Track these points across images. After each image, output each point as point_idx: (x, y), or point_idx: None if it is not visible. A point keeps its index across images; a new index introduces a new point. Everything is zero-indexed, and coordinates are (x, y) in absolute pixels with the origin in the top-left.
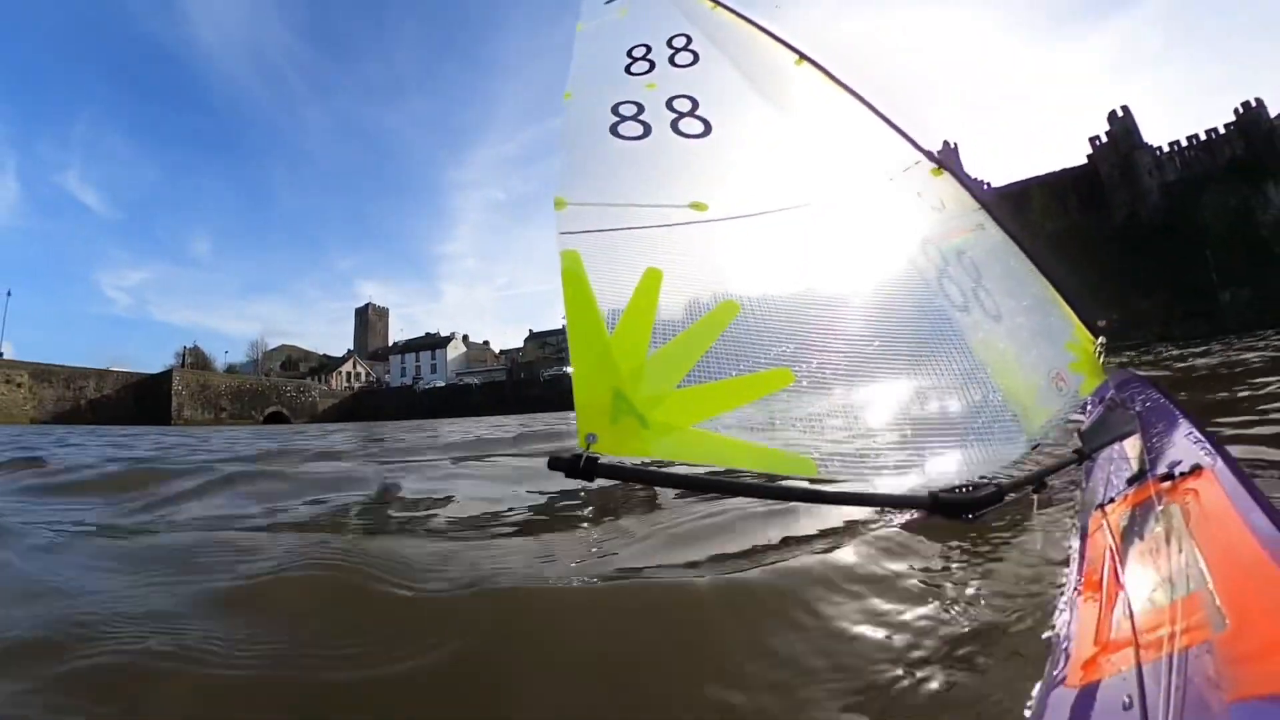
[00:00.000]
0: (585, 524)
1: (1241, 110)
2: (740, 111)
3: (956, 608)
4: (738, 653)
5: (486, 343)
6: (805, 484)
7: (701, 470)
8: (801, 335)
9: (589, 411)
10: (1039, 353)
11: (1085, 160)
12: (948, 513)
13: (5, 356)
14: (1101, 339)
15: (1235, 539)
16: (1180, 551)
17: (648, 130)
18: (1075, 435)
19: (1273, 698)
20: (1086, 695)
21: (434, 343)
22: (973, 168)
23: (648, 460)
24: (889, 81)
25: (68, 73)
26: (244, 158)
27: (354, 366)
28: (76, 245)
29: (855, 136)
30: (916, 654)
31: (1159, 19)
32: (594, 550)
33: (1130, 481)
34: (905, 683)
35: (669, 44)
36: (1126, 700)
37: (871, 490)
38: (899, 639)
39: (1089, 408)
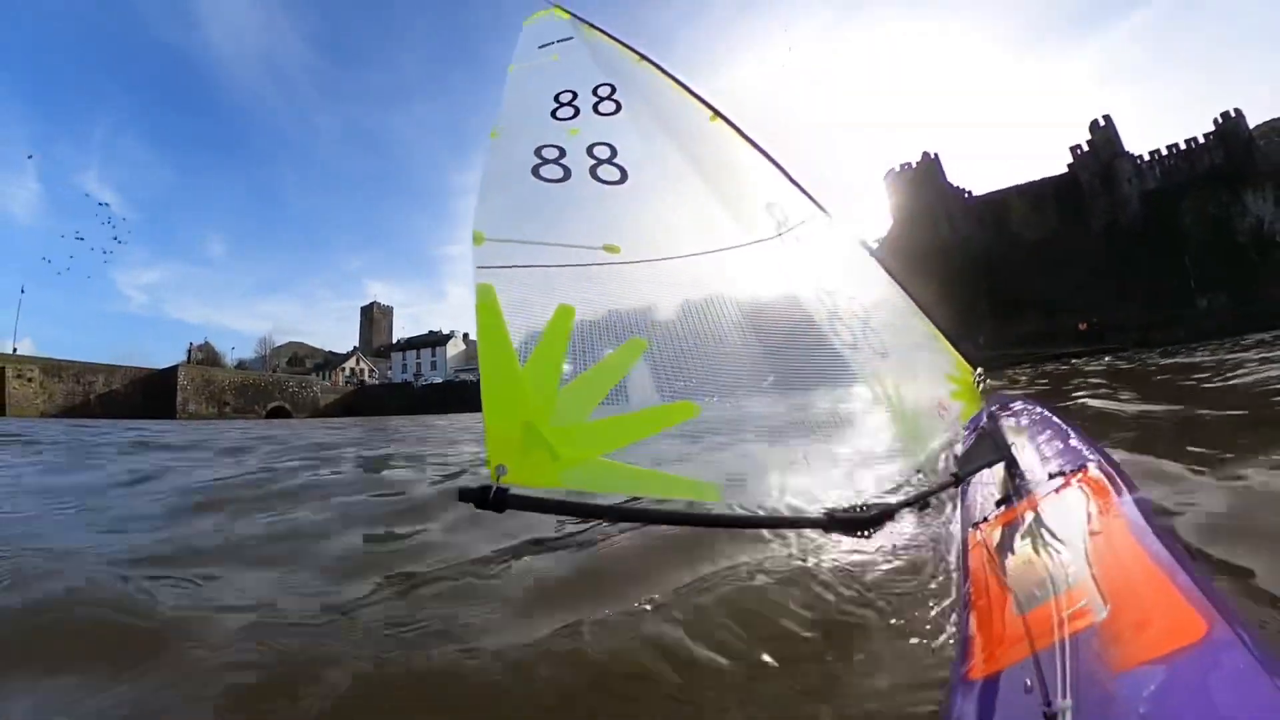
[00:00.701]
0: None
1: (1221, 120)
2: (656, 162)
3: (861, 616)
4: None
5: None
6: (711, 510)
7: (613, 500)
8: (704, 371)
9: (499, 443)
10: (922, 384)
11: (1065, 169)
12: (842, 530)
13: (20, 352)
14: (980, 370)
15: (1112, 530)
16: (1059, 552)
17: (568, 174)
18: (952, 460)
19: (1151, 662)
20: (990, 684)
21: (435, 340)
22: (954, 176)
23: (558, 491)
24: (875, 90)
25: (88, 79)
26: (256, 161)
27: (357, 363)
28: (98, 245)
29: (760, 190)
30: (831, 657)
31: (1141, 35)
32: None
33: (1000, 503)
34: (824, 685)
35: (594, 92)
36: (1027, 684)
37: (772, 513)
38: (814, 644)
39: (967, 433)
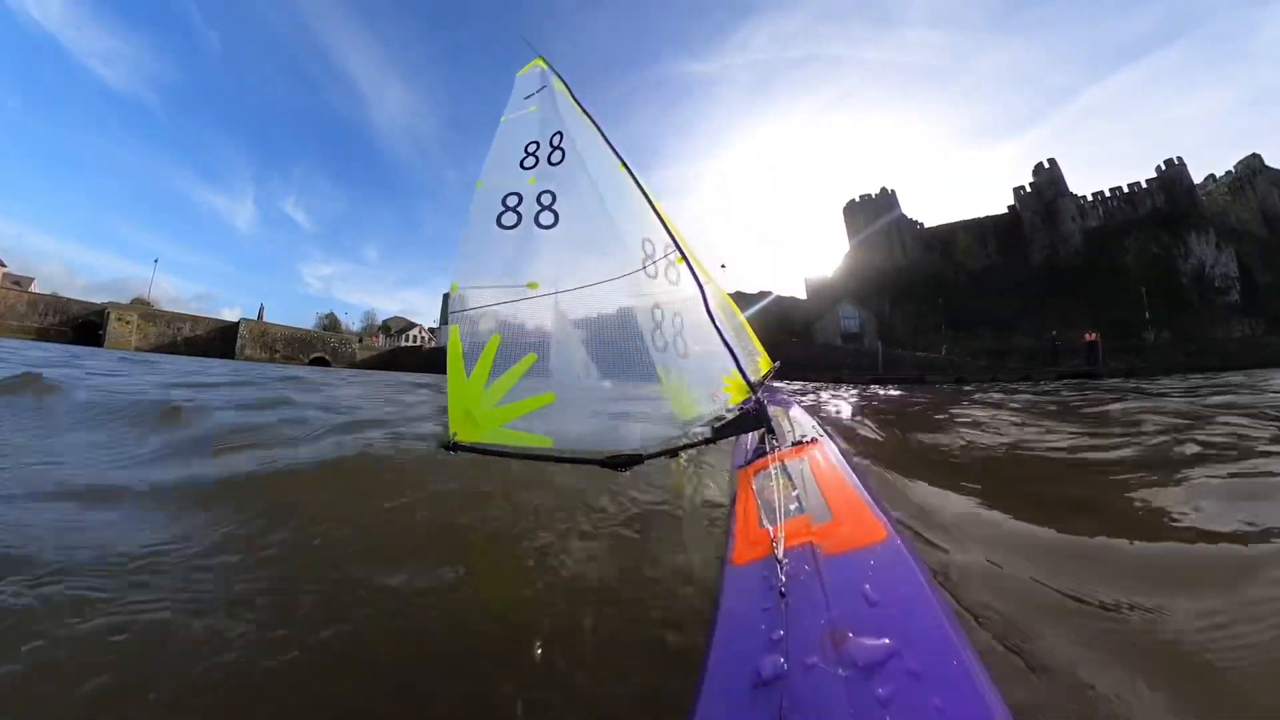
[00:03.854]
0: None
1: (1164, 167)
2: (581, 207)
3: (668, 516)
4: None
5: None
6: (549, 450)
7: (509, 447)
8: (561, 372)
9: (454, 419)
10: (704, 378)
11: (1007, 210)
12: (610, 466)
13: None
14: (778, 362)
15: (832, 474)
16: (797, 488)
17: (519, 220)
18: (711, 427)
19: (853, 550)
20: (747, 569)
21: None
22: (909, 209)
23: (484, 444)
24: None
25: (294, 136)
26: (401, 195)
27: (420, 331)
28: (290, 248)
29: (640, 229)
30: (643, 540)
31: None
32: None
33: (758, 453)
34: (640, 559)
35: (550, 141)
36: (780, 566)
37: (584, 454)
38: (631, 531)
39: (735, 410)
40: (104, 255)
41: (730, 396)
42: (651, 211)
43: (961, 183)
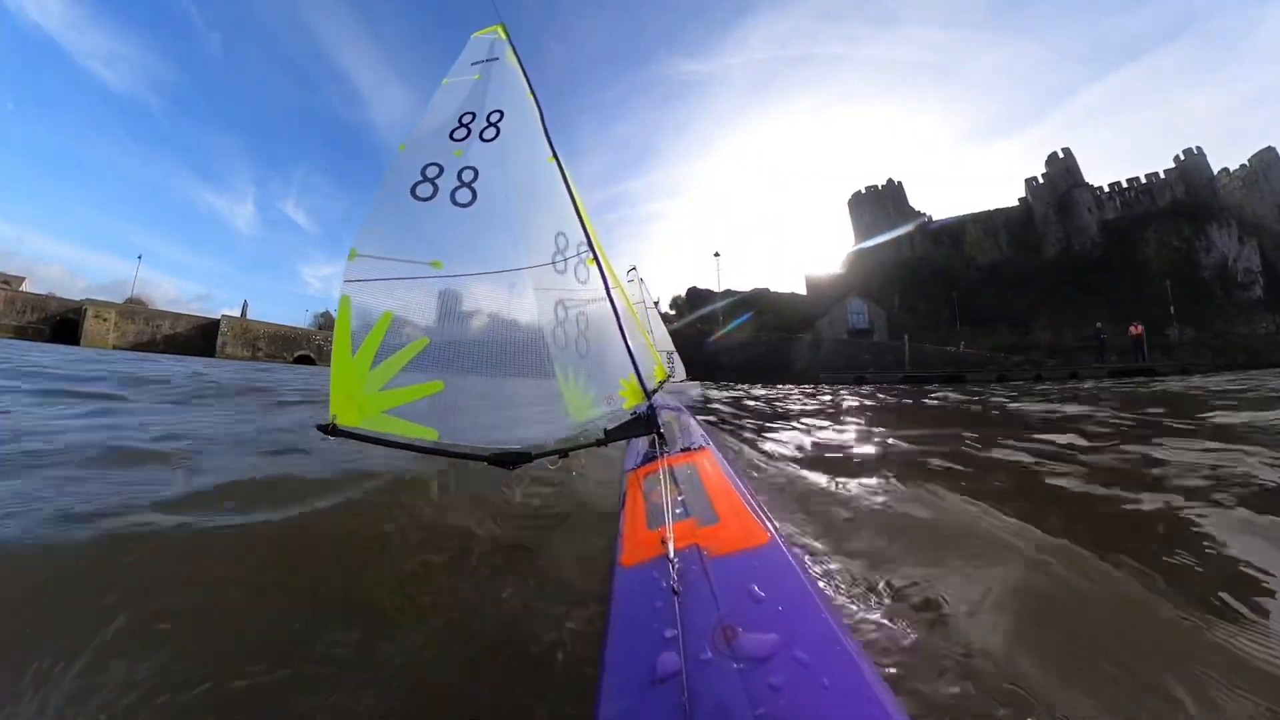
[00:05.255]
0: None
1: (1182, 157)
2: (500, 190)
3: (557, 520)
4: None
5: None
6: (433, 444)
7: (391, 436)
8: (453, 360)
9: (336, 401)
10: (600, 380)
11: (1018, 202)
12: (498, 464)
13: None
14: (672, 370)
15: (718, 479)
16: (685, 491)
17: (435, 193)
18: (603, 430)
19: (736, 553)
20: (636, 570)
21: None
22: (914, 203)
23: (364, 430)
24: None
25: (294, 138)
26: None
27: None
28: (290, 248)
29: (556, 225)
30: (528, 552)
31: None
32: None
33: (648, 458)
34: (528, 565)
35: (487, 118)
36: (671, 567)
37: (470, 449)
38: (522, 534)
39: (628, 414)
40: (106, 257)
41: (625, 400)
42: (572, 207)
43: (965, 181)
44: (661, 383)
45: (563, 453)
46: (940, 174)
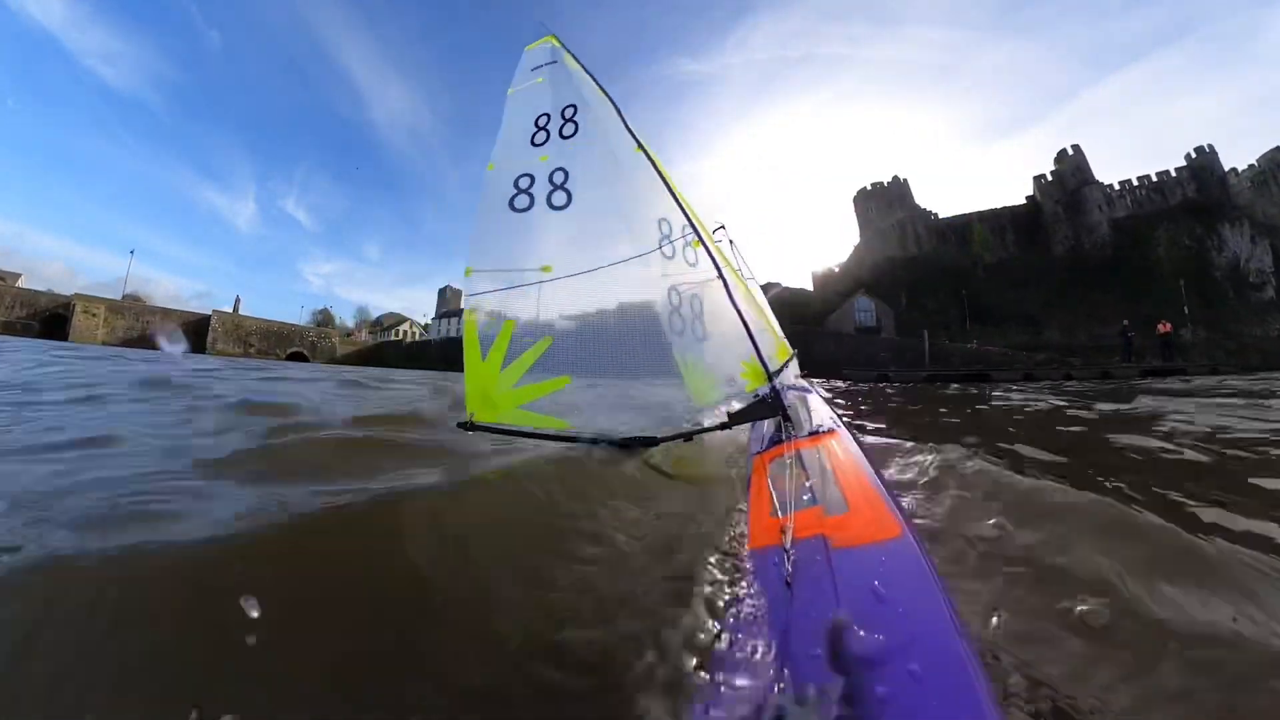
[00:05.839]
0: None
1: (1194, 155)
2: (593, 187)
3: (681, 505)
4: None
5: None
6: (565, 432)
7: (526, 428)
8: (578, 356)
9: (471, 400)
10: (722, 363)
11: (1025, 200)
12: (626, 447)
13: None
14: (795, 350)
15: (849, 466)
16: (812, 478)
17: (532, 203)
18: (727, 414)
19: (867, 545)
20: (761, 554)
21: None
22: (920, 200)
23: (501, 424)
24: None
25: (294, 137)
26: (402, 195)
27: (410, 326)
28: (291, 246)
29: (656, 209)
30: (671, 526)
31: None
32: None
33: (774, 441)
34: (669, 543)
35: (562, 114)
36: (786, 557)
37: (600, 435)
38: (665, 516)
39: (752, 397)
40: (107, 255)
41: (748, 383)
42: (668, 193)
43: (970, 181)
44: (785, 362)
45: (687, 436)
46: (945, 173)
